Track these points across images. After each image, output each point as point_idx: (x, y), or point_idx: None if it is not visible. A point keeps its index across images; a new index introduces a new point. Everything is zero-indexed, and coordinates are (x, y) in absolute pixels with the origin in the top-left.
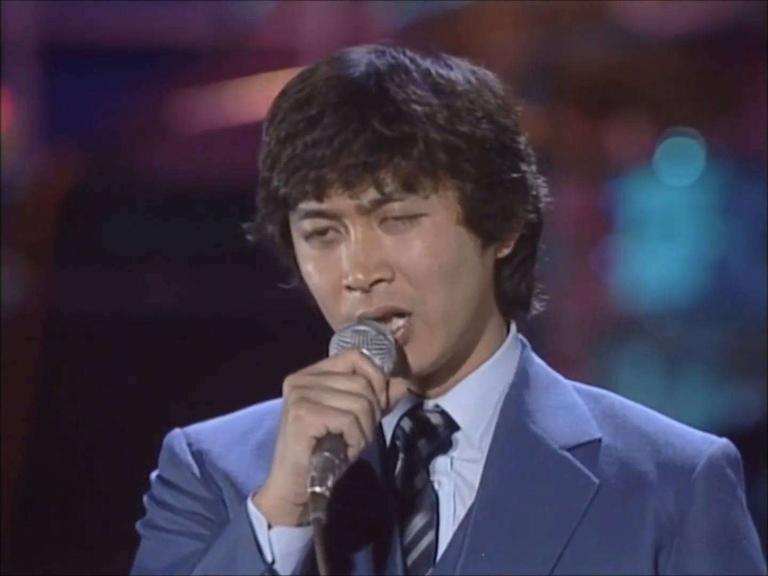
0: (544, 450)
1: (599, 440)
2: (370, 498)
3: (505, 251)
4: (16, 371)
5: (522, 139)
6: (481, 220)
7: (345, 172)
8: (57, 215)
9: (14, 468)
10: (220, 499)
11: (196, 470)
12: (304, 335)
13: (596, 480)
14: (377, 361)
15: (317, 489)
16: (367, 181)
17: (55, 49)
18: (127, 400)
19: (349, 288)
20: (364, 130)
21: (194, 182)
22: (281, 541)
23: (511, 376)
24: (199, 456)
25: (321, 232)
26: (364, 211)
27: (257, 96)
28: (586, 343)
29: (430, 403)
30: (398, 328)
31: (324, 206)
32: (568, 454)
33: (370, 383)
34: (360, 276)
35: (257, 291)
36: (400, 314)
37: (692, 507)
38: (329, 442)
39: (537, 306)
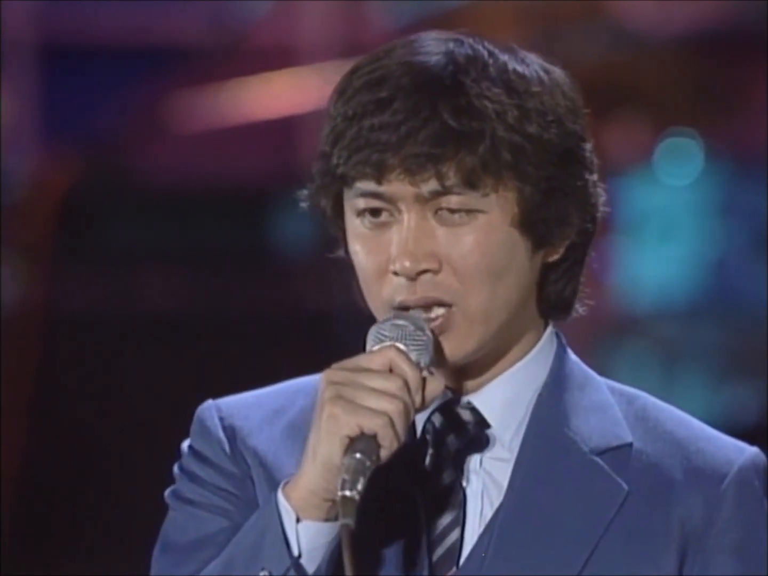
0: (575, 454)
1: (630, 444)
2: (397, 492)
3: (555, 256)
4: (14, 370)
5: (588, 146)
6: (536, 224)
7: (408, 160)
8: (56, 215)
9: (14, 467)
10: (248, 477)
11: (227, 446)
12: (304, 335)
13: (625, 486)
14: (413, 356)
15: (347, 493)
16: (429, 172)
17: (54, 48)
18: (126, 399)
19: (395, 273)
20: (433, 120)
21: (193, 182)
22: (308, 535)
23: (544, 376)
24: (230, 431)
25: (374, 213)
26: (421, 200)
27: (256, 96)
28: (584, 342)
29: (462, 400)
30: (438, 317)
31: (382, 189)
32: (598, 459)
33: (406, 383)
34: (407, 264)
35: (257, 291)
36: (441, 305)
37: (719, 517)
38: (362, 442)
39: (579, 310)
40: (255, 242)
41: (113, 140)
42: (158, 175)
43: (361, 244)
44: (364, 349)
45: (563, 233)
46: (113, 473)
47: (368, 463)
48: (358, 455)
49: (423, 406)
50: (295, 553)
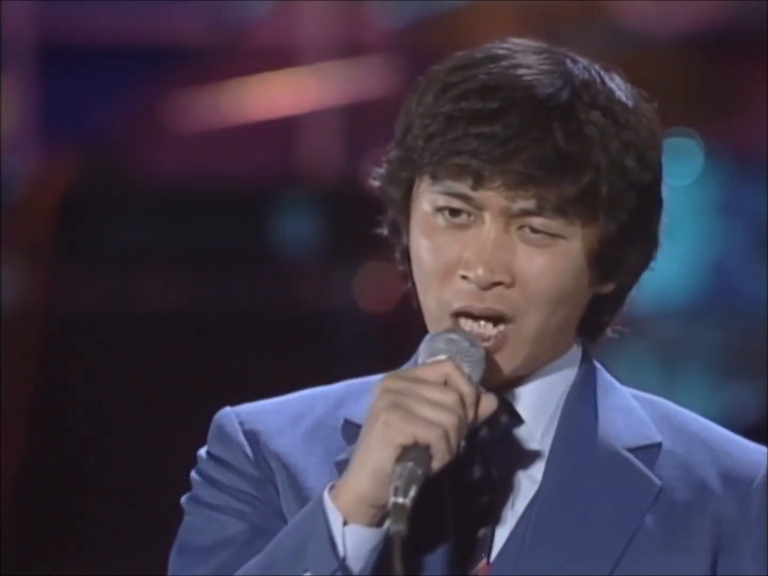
0: (607, 449)
1: (659, 444)
2: (427, 483)
3: (606, 290)
4: (15, 370)
5: (663, 188)
6: (608, 260)
7: (509, 176)
8: (55, 215)
9: (14, 467)
10: (270, 481)
11: (248, 449)
12: (303, 335)
13: (658, 482)
14: (466, 370)
15: (399, 500)
16: (529, 193)
17: (54, 48)
18: (126, 399)
19: (463, 278)
20: (543, 141)
21: (193, 182)
22: (354, 539)
23: (572, 377)
24: (251, 435)
25: (454, 212)
26: (509, 214)
27: (256, 96)
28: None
29: (495, 395)
30: (498, 333)
31: (473, 194)
32: (630, 455)
33: (462, 398)
34: (482, 272)
35: (257, 291)
36: (503, 320)
37: (748, 516)
38: (415, 452)
39: (608, 333)
40: (255, 242)
41: (113, 140)
42: (158, 175)
43: (431, 240)
44: (371, 350)
45: (625, 272)
46: (113, 473)
47: (420, 473)
48: (410, 464)
49: (476, 423)
50: (341, 555)
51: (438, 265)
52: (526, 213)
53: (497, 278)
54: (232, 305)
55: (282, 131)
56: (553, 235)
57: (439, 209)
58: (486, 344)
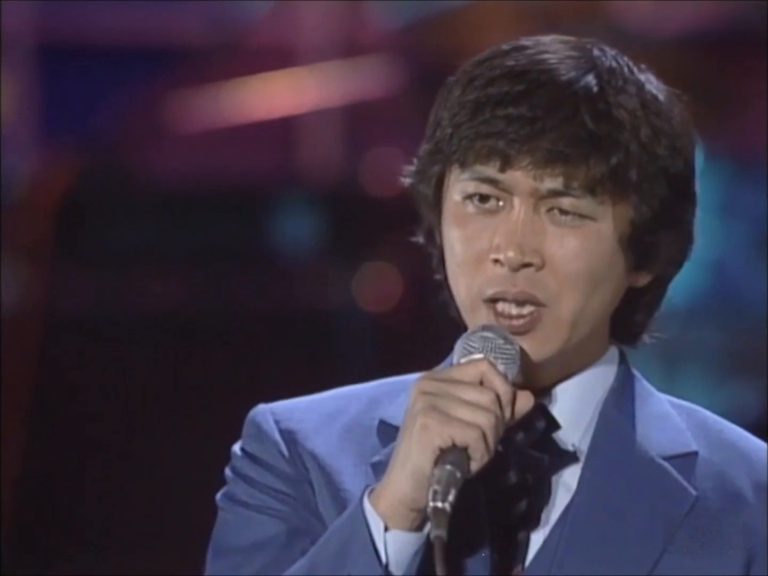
0: (643, 457)
1: (696, 453)
2: (463, 487)
3: (641, 282)
4: (14, 370)
5: (697, 182)
6: (641, 246)
7: (537, 154)
8: (55, 215)
9: (14, 467)
10: (306, 480)
11: (284, 448)
12: (303, 335)
13: (693, 492)
14: (501, 369)
15: (439, 504)
16: (557, 170)
17: (53, 48)
18: (126, 399)
19: (495, 261)
20: (572, 120)
21: (193, 182)
22: (396, 544)
23: (610, 382)
24: (287, 434)
25: (483, 198)
26: (538, 196)
27: (256, 96)
28: None
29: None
30: (528, 314)
31: (502, 177)
32: (666, 464)
33: (498, 397)
34: (512, 254)
35: (257, 291)
36: (535, 303)
37: None
38: (453, 454)
39: (645, 340)
40: (255, 242)
41: (113, 140)
42: (158, 175)
43: (462, 228)
44: (370, 350)
45: (659, 262)
46: (113, 473)
47: (459, 475)
48: (449, 466)
49: (512, 421)
50: (384, 561)
51: (470, 253)
52: (554, 193)
53: (527, 259)
54: (232, 305)
55: (282, 131)
56: (583, 216)
57: (469, 196)
58: (520, 322)
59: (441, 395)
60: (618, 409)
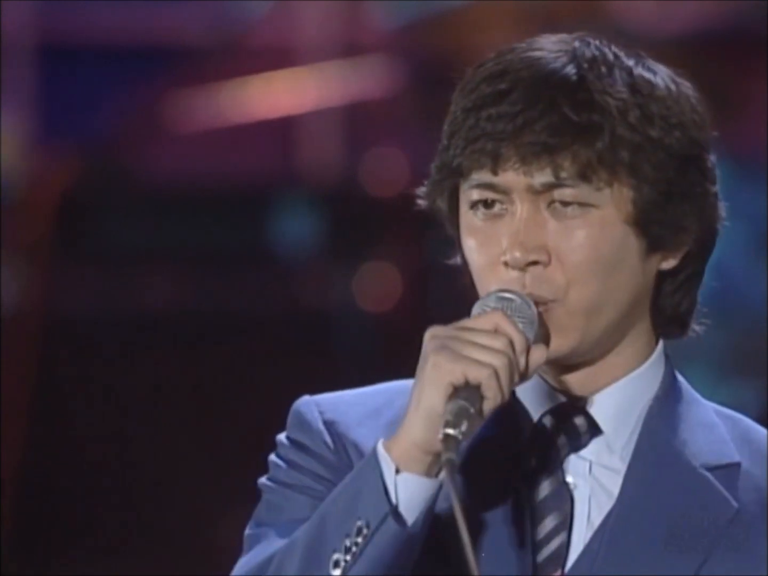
0: (685, 467)
1: (738, 464)
2: (503, 491)
3: (671, 263)
4: (14, 371)
5: (711, 158)
6: (650, 224)
7: (522, 149)
8: (55, 215)
9: (14, 467)
10: (350, 469)
11: (328, 438)
12: (303, 335)
13: (735, 504)
14: (519, 326)
15: (450, 431)
16: (544, 162)
17: (53, 48)
18: (125, 400)
19: (506, 264)
20: (551, 111)
21: (192, 182)
22: (407, 487)
23: (655, 388)
24: (331, 425)
25: (488, 204)
26: (534, 191)
27: (256, 96)
28: None
29: (574, 404)
30: (542, 311)
31: (496, 179)
32: (708, 474)
33: (511, 343)
34: (517, 254)
35: (257, 291)
36: (544, 302)
37: None
38: (466, 391)
39: (696, 329)
40: (255, 242)
41: (113, 140)
42: (158, 175)
43: (474, 238)
44: (370, 350)
45: (679, 239)
46: (113, 473)
47: (472, 410)
48: (461, 401)
49: (526, 373)
50: (394, 502)
51: (484, 260)
52: (548, 186)
53: (533, 257)
54: (232, 305)
55: (282, 131)
56: (584, 205)
57: (474, 205)
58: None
59: (453, 338)
60: (662, 418)
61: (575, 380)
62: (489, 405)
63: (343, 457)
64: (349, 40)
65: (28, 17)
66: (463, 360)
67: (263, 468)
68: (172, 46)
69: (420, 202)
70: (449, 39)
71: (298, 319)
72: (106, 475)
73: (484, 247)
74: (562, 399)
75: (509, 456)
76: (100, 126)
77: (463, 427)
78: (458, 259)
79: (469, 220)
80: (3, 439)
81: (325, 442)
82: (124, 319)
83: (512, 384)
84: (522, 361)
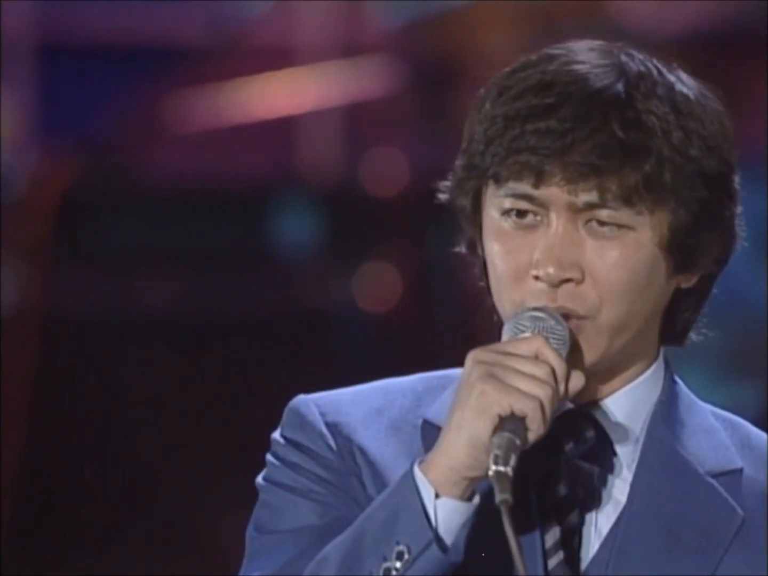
0: (691, 474)
1: (741, 470)
2: (513, 498)
3: (690, 282)
4: (14, 370)
5: (737, 178)
6: (682, 249)
7: (570, 168)
8: (55, 215)
9: (14, 467)
10: (355, 474)
11: (332, 441)
12: (303, 335)
13: (741, 512)
14: (553, 346)
15: (502, 468)
16: (591, 183)
17: (53, 48)
18: (126, 399)
19: (536, 278)
20: (601, 131)
21: (192, 182)
22: (446, 512)
23: (658, 393)
24: (333, 427)
25: (520, 214)
26: (574, 209)
27: (255, 96)
28: None
29: (582, 411)
30: (573, 326)
31: (536, 193)
32: (714, 482)
33: (553, 371)
34: (552, 270)
35: (257, 291)
36: (575, 317)
37: None
38: (512, 423)
39: (692, 337)
40: (255, 242)
41: (113, 140)
42: (158, 175)
43: (502, 244)
44: (370, 350)
45: (704, 262)
46: (113, 474)
47: (518, 443)
48: (508, 434)
49: (566, 398)
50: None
51: (510, 268)
52: (590, 206)
53: (567, 275)
54: (232, 305)
55: (282, 131)
56: (621, 226)
57: (506, 212)
58: None
59: (497, 365)
60: (666, 424)
61: (585, 387)
62: (533, 436)
63: (349, 463)
64: (349, 40)
65: (28, 17)
66: (509, 390)
67: (263, 468)
68: (172, 46)
69: (441, 196)
70: (449, 39)
71: (298, 319)
72: (106, 475)
73: (512, 254)
74: (570, 406)
75: (518, 463)
76: (100, 126)
77: (512, 462)
78: (462, 249)
79: (498, 224)
80: (3, 439)
81: (328, 445)
82: (123, 319)
83: (554, 414)
84: (562, 388)
